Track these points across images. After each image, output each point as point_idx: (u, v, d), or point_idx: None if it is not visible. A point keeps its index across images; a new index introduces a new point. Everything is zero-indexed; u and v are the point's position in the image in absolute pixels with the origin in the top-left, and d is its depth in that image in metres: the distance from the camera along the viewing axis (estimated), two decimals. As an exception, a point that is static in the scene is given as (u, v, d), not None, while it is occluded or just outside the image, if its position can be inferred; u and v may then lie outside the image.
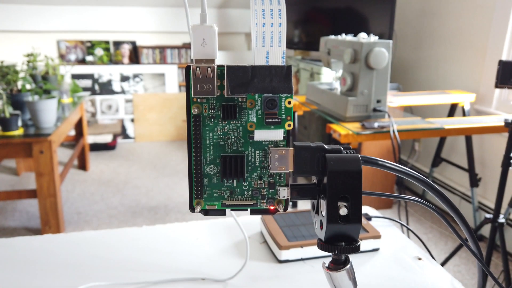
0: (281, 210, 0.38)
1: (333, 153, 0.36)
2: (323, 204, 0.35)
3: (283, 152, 0.36)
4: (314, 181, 0.39)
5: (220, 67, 0.34)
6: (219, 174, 0.37)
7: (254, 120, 0.35)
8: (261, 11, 0.32)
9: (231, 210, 0.38)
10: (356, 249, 0.35)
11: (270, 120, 0.35)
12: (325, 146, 0.36)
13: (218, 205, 0.38)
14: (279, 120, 0.35)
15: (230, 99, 0.35)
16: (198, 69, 0.34)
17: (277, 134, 0.36)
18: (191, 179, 0.37)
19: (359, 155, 0.35)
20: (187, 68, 0.34)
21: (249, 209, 0.39)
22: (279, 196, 0.38)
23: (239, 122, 0.36)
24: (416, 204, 2.51)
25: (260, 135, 0.36)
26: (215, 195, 0.38)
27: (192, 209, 0.38)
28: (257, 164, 0.37)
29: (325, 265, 0.38)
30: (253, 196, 0.38)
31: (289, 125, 0.35)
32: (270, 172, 0.37)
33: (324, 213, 0.35)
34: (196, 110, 0.35)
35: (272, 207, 0.38)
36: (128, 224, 2.22)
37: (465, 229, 0.43)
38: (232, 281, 0.59)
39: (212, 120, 0.36)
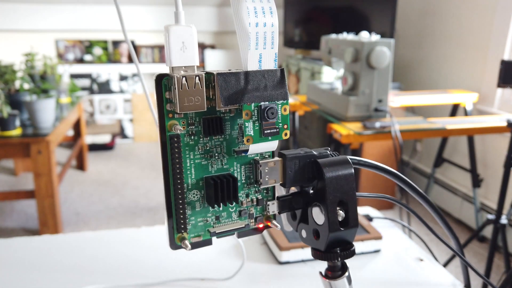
0: (280, 226, 0.35)
1: (322, 158, 0.34)
2: (315, 211, 0.33)
3: (273, 164, 0.33)
4: (295, 190, 0.36)
5: (208, 74, 0.30)
6: (203, 200, 0.32)
7: (252, 133, 0.31)
8: (253, 9, 0.29)
9: (217, 237, 0.34)
10: (354, 253, 0.34)
11: (268, 131, 0.31)
12: (314, 152, 0.35)
13: (204, 235, 0.33)
14: (277, 130, 0.32)
15: (211, 111, 0.31)
16: (184, 79, 0.28)
17: (272, 145, 0.33)
18: (170, 211, 0.32)
19: (347, 157, 0.34)
20: (159, 79, 0.29)
21: (235, 232, 0.34)
22: (268, 212, 0.35)
23: (222, 136, 0.32)
24: (417, 204, 2.49)
25: (255, 148, 0.32)
26: (199, 224, 0.33)
27: (174, 246, 0.32)
28: (243, 181, 0.34)
29: (322, 274, 0.36)
30: (241, 217, 0.34)
31: (285, 134, 0.32)
32: (261, 187, 0.34)
33: (320, 221, 0.33)
34: (173, 129, 0.30)
35: (261, 225, 0.35)
36: (127, 225, 2.21)
37: (438, 218, 0.44)
38: (232, 282, 0.58)
39: (192, 137, 0.31)
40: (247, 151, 0.32)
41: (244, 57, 0.30)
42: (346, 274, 0.35)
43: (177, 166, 0.30)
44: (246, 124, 0.31)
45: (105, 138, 3.51)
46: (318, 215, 0.33)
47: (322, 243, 0.33)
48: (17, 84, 2.04)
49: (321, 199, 0.33)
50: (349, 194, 0.33)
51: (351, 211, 0.33)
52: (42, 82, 2.13)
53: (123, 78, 3.62)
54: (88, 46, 3.60)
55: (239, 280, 0.59)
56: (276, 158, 0.33)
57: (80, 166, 3.00)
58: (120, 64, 3.61)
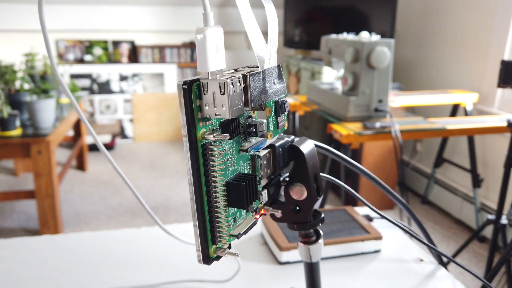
0: (280, 213, 0.37)
1: (293, 142, 0.38)
2: (297, 189, 0.37)
3: (268, 155, 0.34)
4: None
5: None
6: (226, 205, 0.32)
7: (272, 128, 0.33)
8: (268, 9, 0.31)
9: (237, 238, 0.33)
10: (324, 218, 0.40)
11: (281, 124, 0.33)
12: (286, 138, 0.38)
13: (229, 239, 0.32)
14: (284, 121, 0.34)
15: None
16: (231, 82, 0.28)
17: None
18: (204, 226, 0.30)
19: (308, 138, 0.39)
20: (189, 85, 0.27)
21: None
22: (262, 202, 0.35)
23: (232, 138, 0.32)
24: (418, 205, 2.50)
25: (269, 142, 0.34)
26: (226, 230, 0.32)
27: (209, 260, 0.31)
28: None
29: (301, 240, 0.42)
30: (247, 212, 0.34)
31: (285, 125, 0.35)
32: (262, 179, 0.35)
33: (302, 196, 0.37)
34: (207, 137, 0.28)
35: (257, 216, 0.35)
36: (127, 225, 2.21)
37: (377, 184, 0.48)
38: (231, 282, 0.58)
39: (215, 143, 0.30)
40: (253, 146, 0.33)
41: (261, 56, 0.31)
42: (320, 240, 0.41)
43: (213, 177, 0.30)
44: (269, 120, 0.33)
45: (105, 138, 3.51)
46: (299, 192, 0.37)
47: (306, 215, 0.38)
48: (17, 84, 2.04)
49: (303, 178, 0.37)
50: (317, 168, 0.38)
51: (318, 181, 0.37)
52: (42, 82, 2.13)
53: (123, 78, 3.62)
54: (88, 46, 3.60)
55: (239, 280, 0.58)
56: (267, 150, 0.35)
57: (80, 166, 3.00)
58: (120, 64, 3.61)
